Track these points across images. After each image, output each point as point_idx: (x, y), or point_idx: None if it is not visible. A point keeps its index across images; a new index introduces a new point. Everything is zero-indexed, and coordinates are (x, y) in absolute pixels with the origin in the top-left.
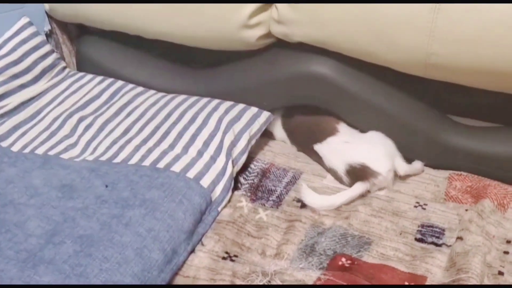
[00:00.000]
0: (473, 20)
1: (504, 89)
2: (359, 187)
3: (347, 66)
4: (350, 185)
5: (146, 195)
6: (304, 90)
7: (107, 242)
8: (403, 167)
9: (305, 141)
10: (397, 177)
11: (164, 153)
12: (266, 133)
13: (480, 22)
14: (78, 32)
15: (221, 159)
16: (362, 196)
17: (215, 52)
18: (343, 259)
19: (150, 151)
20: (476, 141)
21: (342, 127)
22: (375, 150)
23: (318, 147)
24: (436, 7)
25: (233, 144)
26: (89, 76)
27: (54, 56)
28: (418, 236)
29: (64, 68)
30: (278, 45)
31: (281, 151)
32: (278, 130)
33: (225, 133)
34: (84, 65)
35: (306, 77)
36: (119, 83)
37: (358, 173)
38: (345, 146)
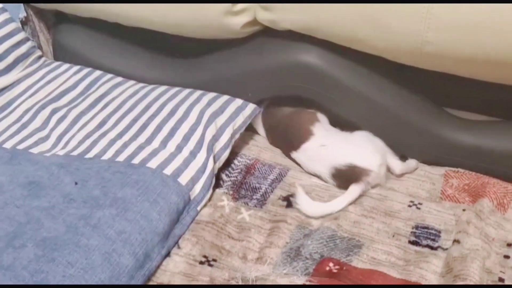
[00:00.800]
0: (472, 5)
1: (504, 80)
2: (355, 190)
3: (337, 55)
4: (339, 186)
5: (118, 193)
6: (292, 81)
7: (72, 245)
8: (398, 165)
9: (282, 145)
10: (391, 174)
11: (141, 147)
12: (251, 126)
13: (480, 7)
14: (56, 20)
15: (202, 154)
16: None
17: (198, 40)
18: (331, 264)
19: (125, 145)
20: (474, 135)
21: (317, 129)
22: (360, 147)
23: (295, 156)
24: None
25: (215, 138)
26: (66, 65)
27: (29, 44)
28: (412, 238)
29: (40, 57)
30: (264, 33)
31: (267, 146)
32: (261, 127)
33: (206, 126)
34: (61, 54)
35: (293, 66)
36: (97, 73)
37: (348, 175)
38: (324, 150)
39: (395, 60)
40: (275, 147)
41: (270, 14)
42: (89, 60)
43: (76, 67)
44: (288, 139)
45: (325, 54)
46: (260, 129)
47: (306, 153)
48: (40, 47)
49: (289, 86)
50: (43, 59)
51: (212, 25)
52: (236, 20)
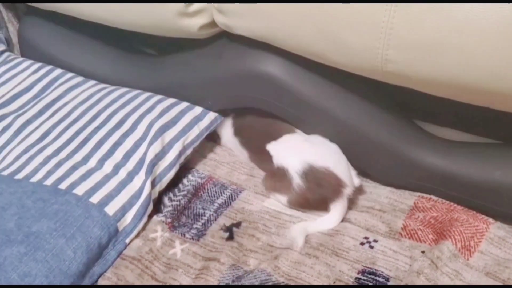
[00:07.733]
0: (435, 23)
1: (475, 102)
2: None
3: (301, 67)
4: (299, 189)
5: (33, 227)
6: (250, 92)
7: None
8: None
9: (257, 144)
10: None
11: (74, 168)
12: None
13: (443, 26)
14: (27, 9)
15: (140, 176)
16: None
17: (162, 38)
18: None
19: (59, 164)
20: (450, 160)
21: (298, 131)
22: (340, 159)
23: (271, 146)
24: (393, 7)
25: (158, 157)
26: (27, 62)
27: None
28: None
29: (4, 52)
30: (226, 36)
31: (225, 160)
32: (226, 134)
33: (151, 143)
34: (26, 49)
35: (252, 76)
36: (57, 72)
37: (319, 179)
38: (305, 144)
39: (357, 74)
40: (245, 146)
41: (224, 18)
42: (52, 56)
43: (36, 65)
44: (267, 134)
45: (288, 65)
46: (225, 131)
47: (286, 143)
48: (8, 40)
49: (248, 97)
50: (5, 54)
51: (167, 26)
52: (192, 21)
